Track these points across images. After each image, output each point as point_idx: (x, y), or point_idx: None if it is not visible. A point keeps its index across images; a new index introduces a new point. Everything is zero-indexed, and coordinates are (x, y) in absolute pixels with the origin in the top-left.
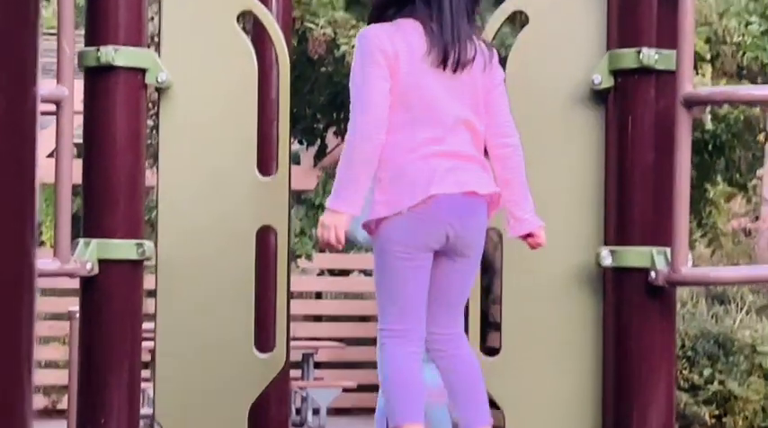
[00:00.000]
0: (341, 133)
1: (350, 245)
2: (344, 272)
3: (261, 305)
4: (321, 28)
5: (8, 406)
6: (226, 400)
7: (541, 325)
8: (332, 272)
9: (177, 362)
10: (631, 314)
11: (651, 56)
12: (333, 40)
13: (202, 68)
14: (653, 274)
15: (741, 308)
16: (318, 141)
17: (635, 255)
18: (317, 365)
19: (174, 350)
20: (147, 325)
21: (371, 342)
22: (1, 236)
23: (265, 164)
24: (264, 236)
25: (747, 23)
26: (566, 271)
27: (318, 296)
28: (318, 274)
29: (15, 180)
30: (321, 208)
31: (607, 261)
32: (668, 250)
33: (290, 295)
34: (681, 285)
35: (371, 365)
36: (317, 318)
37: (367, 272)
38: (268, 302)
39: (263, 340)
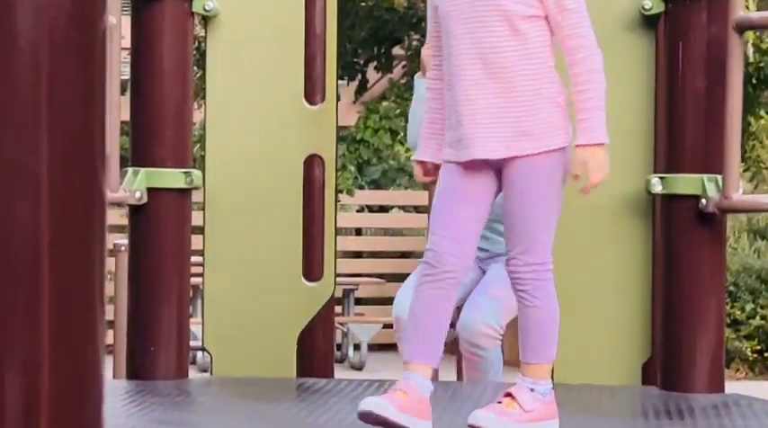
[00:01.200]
0: (381, 68)
1: (387, 184)
2: (384, 208)
3: (307, 234)
4: None
5: (84, 336)
6: (274, 329)
7: (593, 251)
8: (371, 209)
9: (226, 292)
10: (682, 241)
11: None
12: None
13: None
14: (704, 201)
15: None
16: (359, 76)
17: (686, 182)
18: (358, 301)
19: (222, 279)
20: (193, 259)
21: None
22: (73, 161)
23: (311, 95)
24: (310, 166)
25: None
26: (616, 199)
27: (358, 232)
28: (358, 210)
29: (86, 106)
30: (363, 142)
31: (657, 188)
32: (719, 177)
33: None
34: (732, 212)
35: None
36: (358, 254)
37: (406, 208)
38: (314, 231)
39: (311, 269)
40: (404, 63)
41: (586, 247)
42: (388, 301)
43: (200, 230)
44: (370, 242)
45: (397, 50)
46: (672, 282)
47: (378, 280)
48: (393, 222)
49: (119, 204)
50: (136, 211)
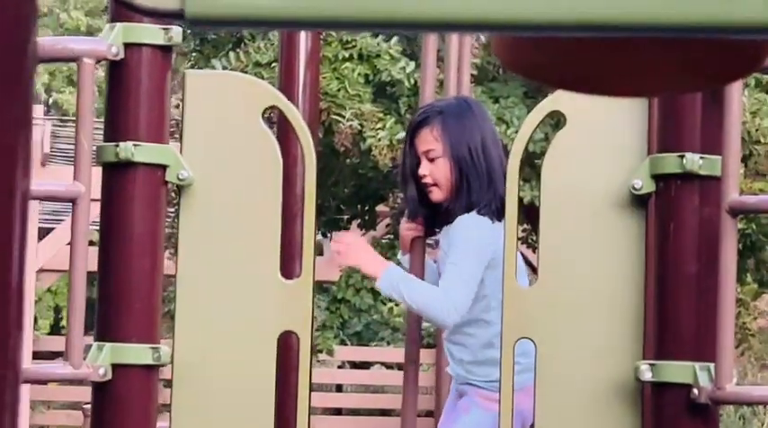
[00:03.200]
0: (365, 225)
1: (370, 337)
2: (365, 365)
3: (280, 416)
4: (348, 120)
5: None
6: None
7: None
8: (353, 365)
9: None
10: None
11: (695, 161)
12: (359, 133)
13: (225, 165)
14: (695, 391)
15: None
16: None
17: (676, 370)
18: None
19: None
20: None
21: None
22: None
23: (288, 263)
24: (285, 343)
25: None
26: (602, 386)
27: (339, 388)
28: (339, 366)
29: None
30: (344, 302)
31: (647, 375)
32: (712, 366)
33: (311, 388)
34: (725, 404)
35: None
36: (338, 411)
37: (388, 365)
38: (288, 414)
39: None
40: (387, 221)
41: None
42: None
43: (167, 408)
44: (351, 399)
45: (380, 208)
46: None
47: None
48: (374, 379)
49: (81, 381)
50: (99, 388)
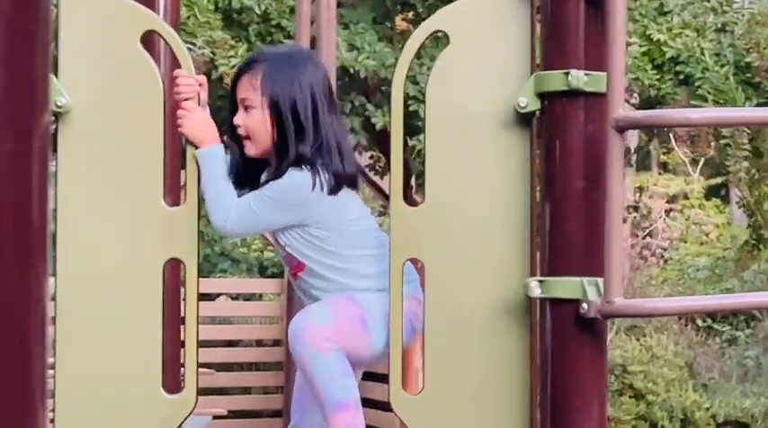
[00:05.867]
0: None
1: (209, 269)
2: (210, 296)
3: (167, 343)
4: (199, 48)
5: None
6: None
7: (467, 359)
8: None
9: (80, 409)
10: (562, 347)
11: (580, 77)
12: (211, 60)
13: (105, 91)
14: (584, 306)
15: (611, 328)
16: None
17: (565, 286)
18: None
19: (75, 397)
20: None
21: (241, 367)
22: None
23: (172, 192)
24: (171, 271)
25: (627, 44)
26: (492, 303)
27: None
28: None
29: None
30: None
31: (536, 291)
32: (600, 280)
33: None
34: (614, 317)
35: (242, 391)
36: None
37: (232, 296)
38: (175, 341)
39: (172, 381)
40: None
41: (462, 352)
42: (218, 392)
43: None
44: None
45: None
46: (552, 391)
47: (206, 370)
48: (220, 310)
49: None
50: None
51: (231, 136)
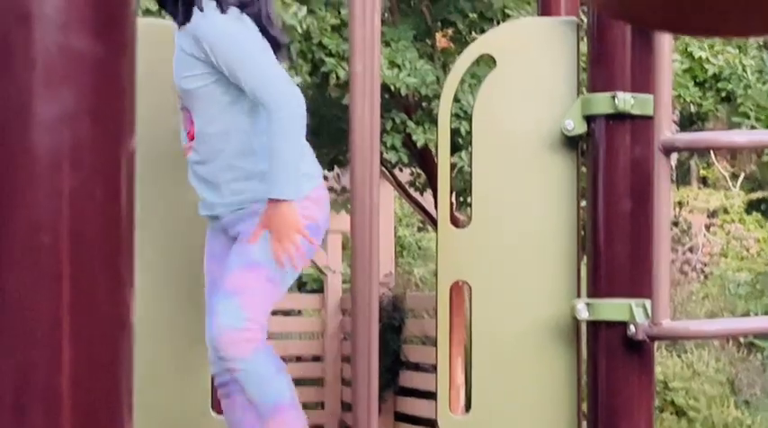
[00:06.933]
0: None
1: None
2: None
3: None
4: None
5: None
6: None
7: (514, 380)
8: None
9: None
10: (609, 369)
11: (627, 100)
12: None
13: None
14: (632, 328)
15: None
16: None
17: (612, 308)
18: None
19: None
20: None
21: None
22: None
23: None
24: None
25: None
26: (540, 325)
27: None
28: None
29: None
30: None
31: (583, 314)
32: (647, 302)
33: None
34: (662, 339)
35: None
36: None
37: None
38: None
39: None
40: None
41: (509, 373)
42: None
43: None
44: None
45: None
46: (600, 413)
47: None
48: None
49: None
50: None
51: None
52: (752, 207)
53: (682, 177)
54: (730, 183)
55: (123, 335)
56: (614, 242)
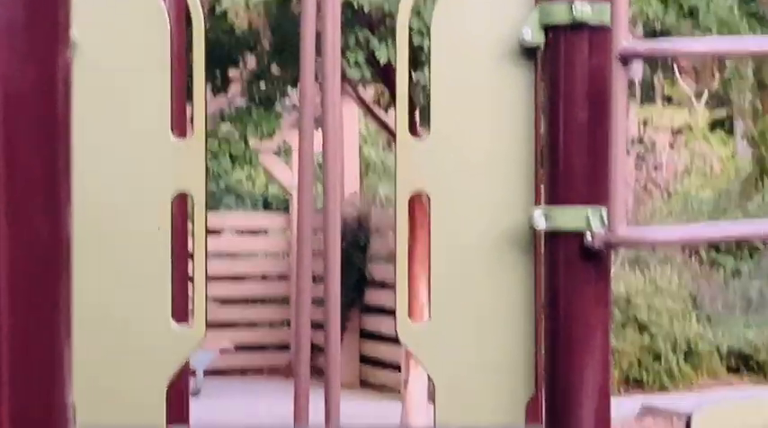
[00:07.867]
0: (216, 89)
1: (218, 203)
2: (216, 232)
3: (176, 276)
4: None
5: None
6: (142, 375)
7: (471, 289)
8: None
9: (91, 338)
10: (566, 278)
11: (584, 9)
12: None
13: (113, 26)
14: (588, 236)
15: (614, 260)
16: None
17: (569, 215)
18: None
19: (84, 326)
20: None
21: (246, 301)
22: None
23: (179, 125)
24: (179, 204)
25: None
26: (497, 234)
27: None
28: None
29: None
30: None
31: (540, 223)
32: (604, 210)
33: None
34: (619, 247)
35: (247, 325)
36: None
37: (239, 230)
38: (183, 273)
39: (181, 311)
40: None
41: (466, 283)
42: (224, 325)
43: None
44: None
45: (233, 72)
46: (556, 319)
47: (212, 304)
48: (225, 245)
49: None
50: None
51: None
52: (716, 125)
53: (646, 95)
54: (694, 101)
55: (60, 257)
56: (572, 152)
